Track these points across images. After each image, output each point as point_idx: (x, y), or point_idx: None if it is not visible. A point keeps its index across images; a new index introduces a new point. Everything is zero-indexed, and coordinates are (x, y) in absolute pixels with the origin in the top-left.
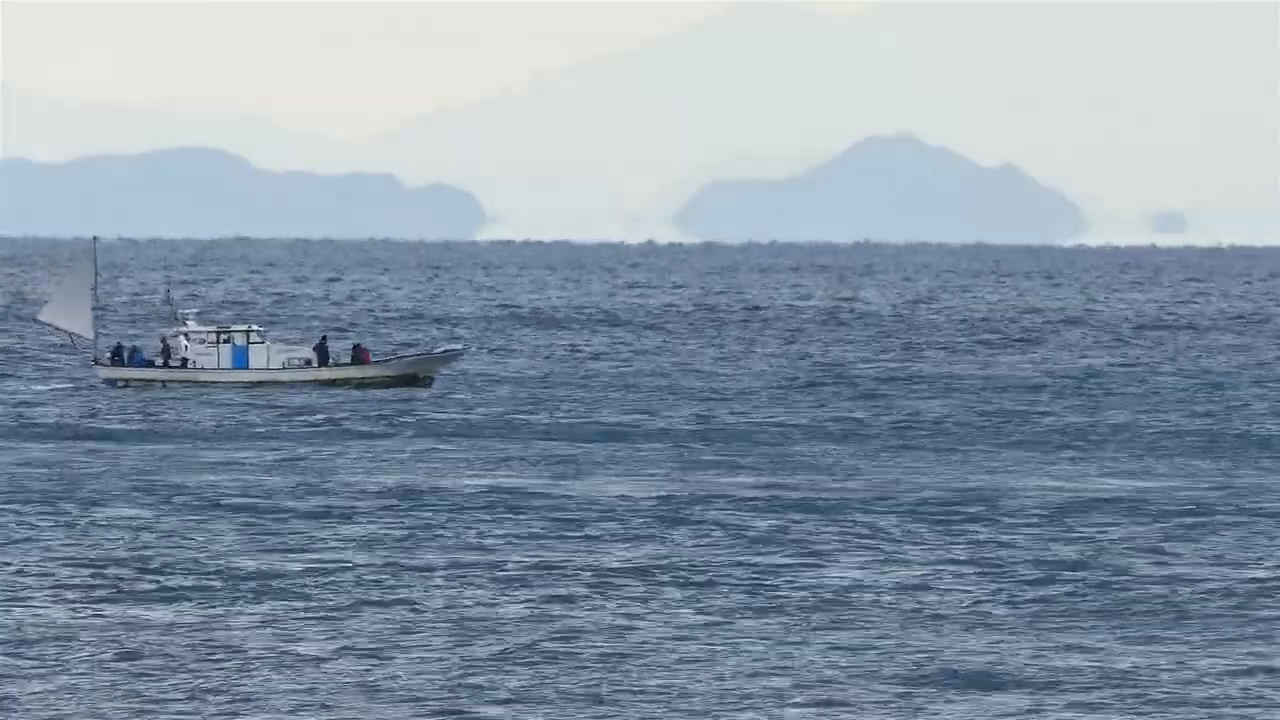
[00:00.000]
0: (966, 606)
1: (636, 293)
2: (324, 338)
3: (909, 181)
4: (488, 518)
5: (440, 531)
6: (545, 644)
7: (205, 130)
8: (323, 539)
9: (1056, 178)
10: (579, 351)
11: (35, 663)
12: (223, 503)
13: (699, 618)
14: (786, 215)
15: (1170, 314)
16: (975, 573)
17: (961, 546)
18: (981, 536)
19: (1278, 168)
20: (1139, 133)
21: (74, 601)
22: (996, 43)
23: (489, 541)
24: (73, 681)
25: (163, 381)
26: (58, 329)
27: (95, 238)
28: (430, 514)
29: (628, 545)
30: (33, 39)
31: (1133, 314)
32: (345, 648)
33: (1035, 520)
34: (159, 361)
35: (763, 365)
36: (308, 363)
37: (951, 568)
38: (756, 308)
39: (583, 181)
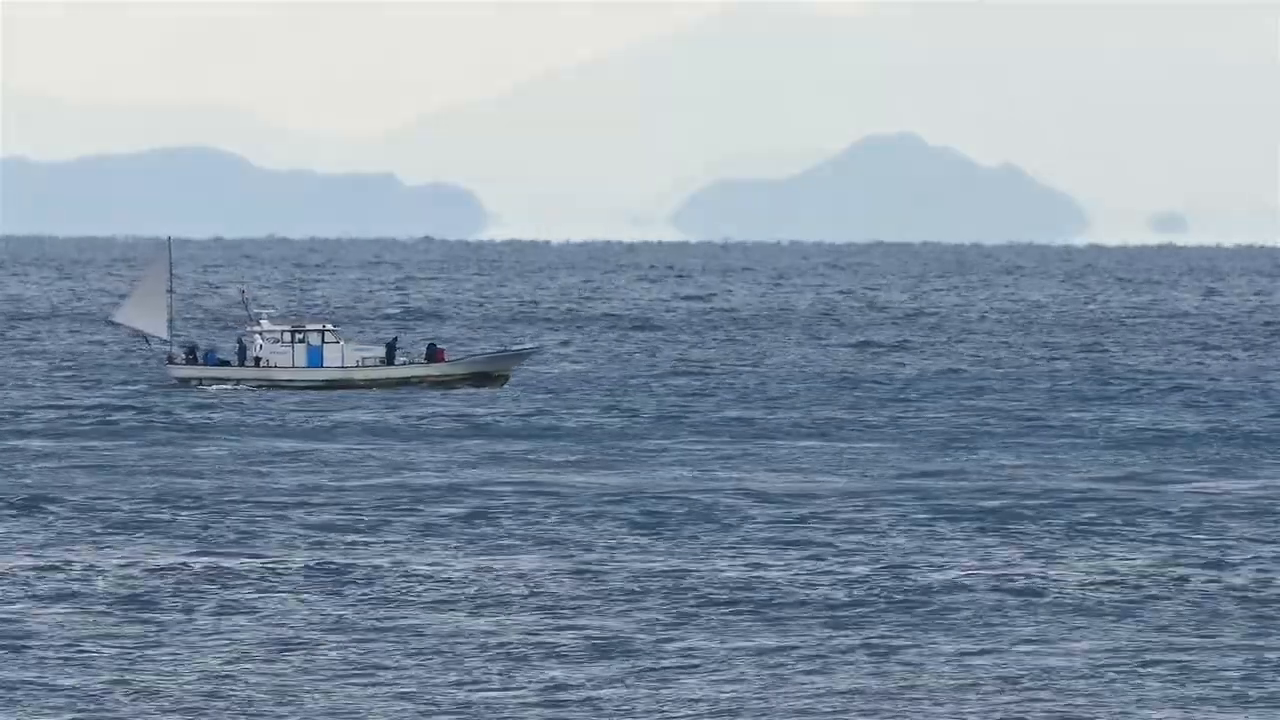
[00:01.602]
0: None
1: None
2: (395, 338)
3: (909, 181)
4: (599, 518)
5: (527, 530)
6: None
7: (205, 130)
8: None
9: (1056, 178)
10: (660, 351)
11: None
12: (292, 502)
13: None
14: (786, 215)
15: None
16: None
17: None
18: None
19: (1278, 168)
20: (1139, 133)
21: (155, 601)
22: (997, 43)
23: (604, 543)
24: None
25: (236, 380)
26: (132, 329)
27: (169, 238)
28: (523, 512)
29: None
30: (33, 39)
31: None
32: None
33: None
34: (235, 361)
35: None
36: (382, 362)
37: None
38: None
39: (582, 181)
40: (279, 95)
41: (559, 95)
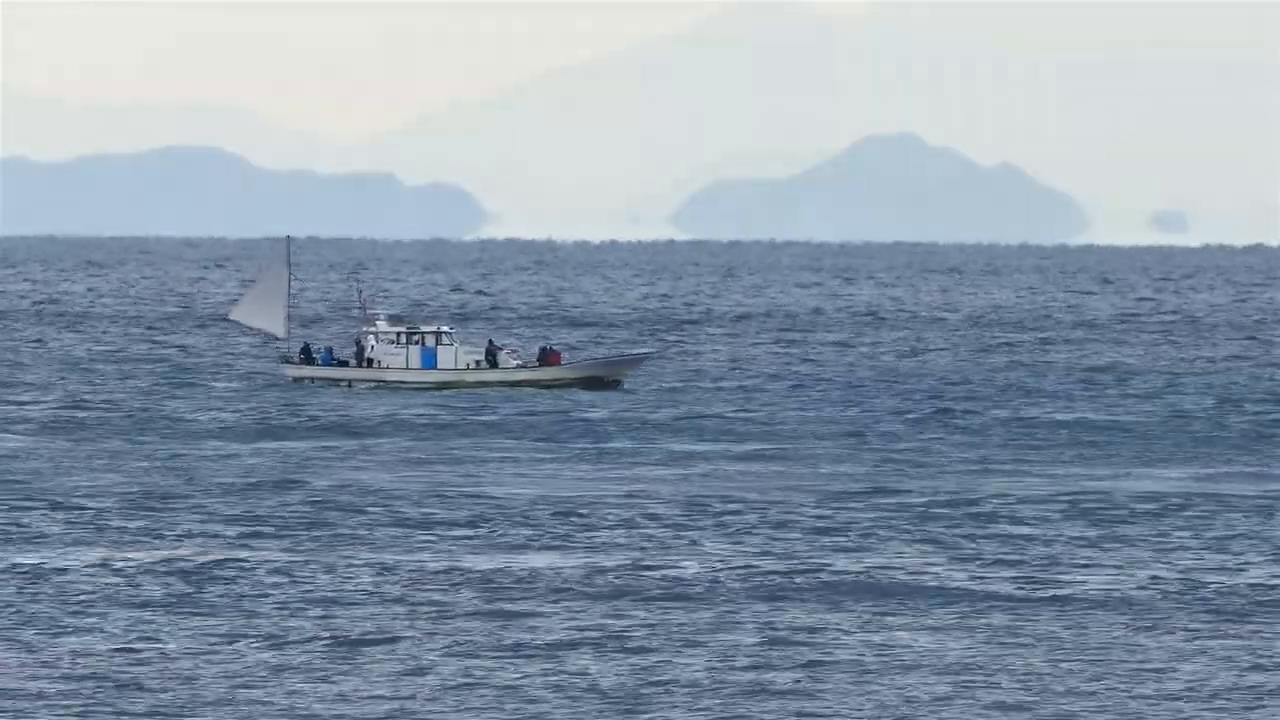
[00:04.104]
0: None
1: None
2: (490, 340)
3: (909, 181)
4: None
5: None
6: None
7: (205, 130)
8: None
9: (1056, 178)
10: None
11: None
12: (377, 505)
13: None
14: (786, 215)
15: None
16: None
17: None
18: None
19: (1278, 168)
20: (1139, 133)
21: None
22: (997, 43)
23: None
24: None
25: (348, 381)
26: (250, 328)
27: (289, 237)
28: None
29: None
30: (33, 39)
31: None
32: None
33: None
34: (353, 362)
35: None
36: (481, 364)
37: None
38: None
39: (582, 181)
40: (279, 95)
41: (559, 95)
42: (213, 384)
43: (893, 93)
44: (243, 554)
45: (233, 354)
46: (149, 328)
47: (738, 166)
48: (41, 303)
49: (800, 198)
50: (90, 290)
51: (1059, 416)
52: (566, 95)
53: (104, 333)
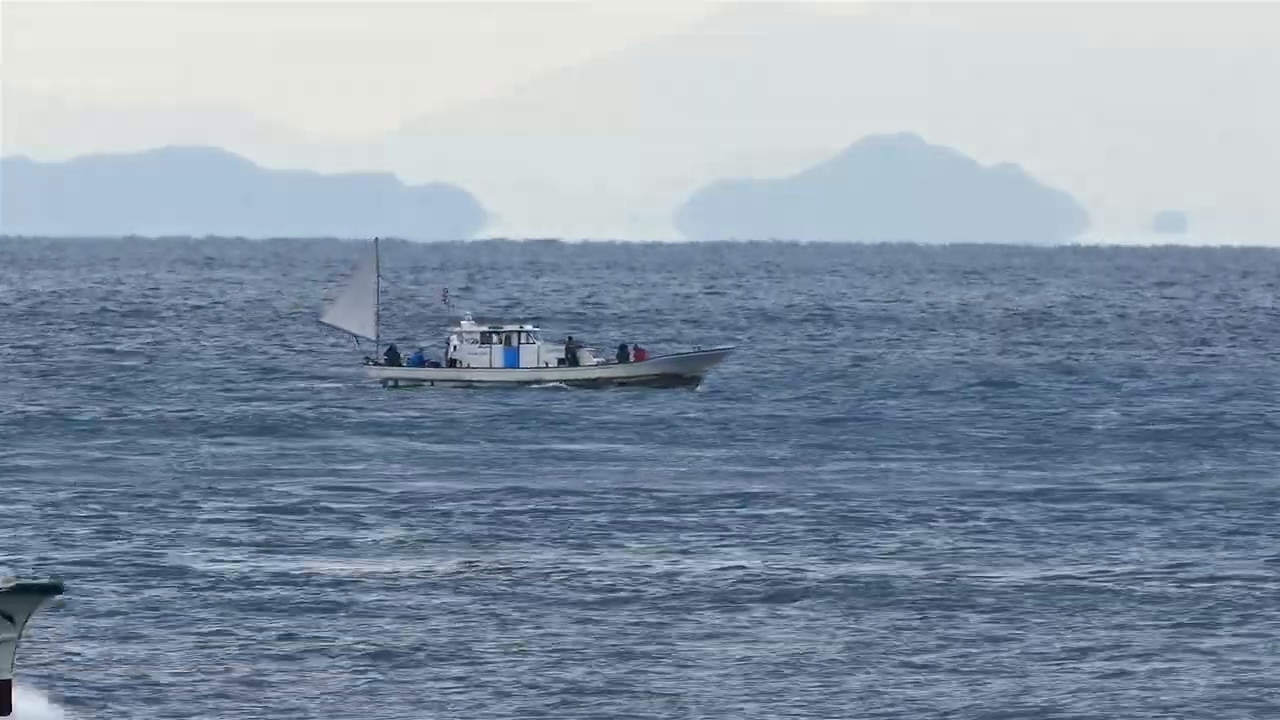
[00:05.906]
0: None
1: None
2: (569, 337)
3: (909, 181)
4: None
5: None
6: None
7: (205, 130)
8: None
9: (1057, 178)
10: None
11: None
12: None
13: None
14: (786, 215)
15: None
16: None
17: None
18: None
19: (1278, 168)
20: (1139, 133)
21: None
22: (997, 43)
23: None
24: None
25: (430, 381)
26: (341, 330)
27: (376, 239)
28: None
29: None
30: (32, 39)
31: None
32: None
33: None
34: (444, 362)
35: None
36: (562, 362)
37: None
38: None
39: (581, 181)
40: (279, 95)
41: (559, 95)
42: (300, 386)
43: (893, 93)
44: (337, 562)
45: (318, 356)
46: (221, 327)
47: (738, 166)
48: (114, 309)
49: (800, 198)
50: (152, 291)
51: None
52: (566, 95)
53: (184, 335)
